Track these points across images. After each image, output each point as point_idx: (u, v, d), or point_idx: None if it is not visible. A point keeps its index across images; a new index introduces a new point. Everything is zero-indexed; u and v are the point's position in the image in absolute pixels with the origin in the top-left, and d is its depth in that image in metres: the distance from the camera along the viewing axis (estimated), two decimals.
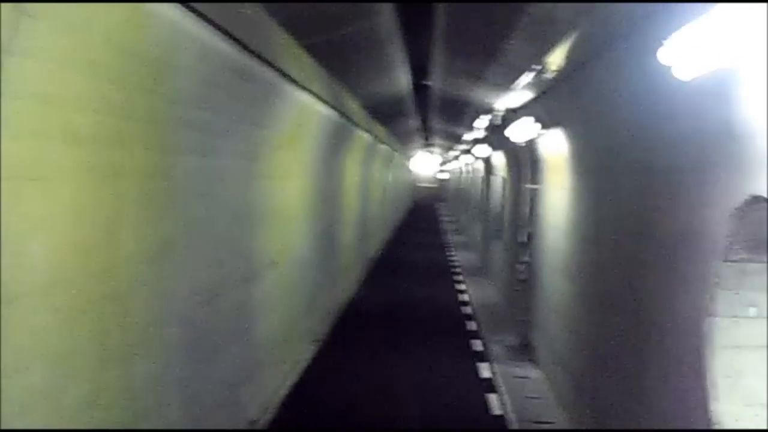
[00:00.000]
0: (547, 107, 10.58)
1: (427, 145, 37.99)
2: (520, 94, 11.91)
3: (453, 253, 29.50)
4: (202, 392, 7.23)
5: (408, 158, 49.69)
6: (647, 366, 6.50)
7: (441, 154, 48.70)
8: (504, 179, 18.89)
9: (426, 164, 62.10)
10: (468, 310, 17.54)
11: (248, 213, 8.79)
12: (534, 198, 13.33)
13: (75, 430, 4.72)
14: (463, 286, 21.10)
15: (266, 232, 9.73)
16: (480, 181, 27.05)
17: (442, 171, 63.30)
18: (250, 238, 8.89)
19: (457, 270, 24.58)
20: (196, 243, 6.93)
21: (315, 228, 13.83)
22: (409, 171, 57.98)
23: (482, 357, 13.05)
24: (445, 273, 23.96)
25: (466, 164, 34.35)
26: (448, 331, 15.18)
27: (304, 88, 10.47)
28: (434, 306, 18.02)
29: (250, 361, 8.99)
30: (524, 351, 13.36)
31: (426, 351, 13.38)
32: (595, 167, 8.79)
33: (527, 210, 13.53)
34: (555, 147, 11.13)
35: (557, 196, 11.25)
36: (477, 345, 13.96)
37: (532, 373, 12.10)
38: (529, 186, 13.51)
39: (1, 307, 3.83)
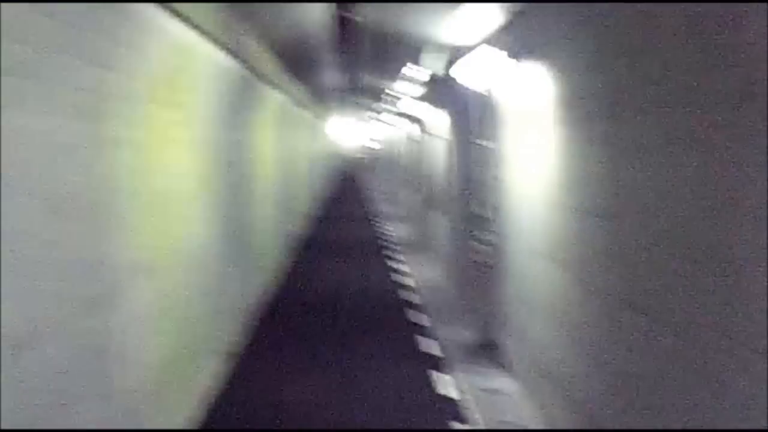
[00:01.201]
0: (521, 33, 7.75)
1: (353, 106, 34.82)
2: (477, 18, 9.06)
3: (387, 228, 26.69)
4: None
5: (330, 124, 46.52)
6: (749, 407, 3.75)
7: (368, 119, 45.55)
8: (448, 141, 16.07)
9: (352, 131, 58.94)
10: (409, 296, 14.75)
11: (92, 201, 5.71)
12: (494, 161, 10.54)
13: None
14: (401, 266, 18.31)
15: (132, 227, 6.66)
16: (415, 145, 24.22)
17: (369, 138, 60.38)
18: (98, 239, 5.81)
19: (393, 247, 21.78)
20: None
21: (216, 211, 10.76)
22: (332, 139, 54.81)
23: (435, 363, 10.27)
24: (380, 251, 21.15)
25: (398, 128, 31.56)
26: (388, 325, 12.37)
27: (183, 18, 7.40)
28: (370, 292, 15.19)
29: (112, 419, 5.96)
30: (487, 352, 10.64)
31: (365, 356, 10.54)
32: (610, 108, 5.99)
33: (487, 177, 10.74)
34: (529, 90, 8.33)
35: (533, 155, 8.47)
36: (424, 344, 11.17)
37: (505, 384, 9.38)
38: (485, 145, 10.71)
39: None
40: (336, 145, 61.90)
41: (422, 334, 11.81)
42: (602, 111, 6.17)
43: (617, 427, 5.91)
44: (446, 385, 9.38)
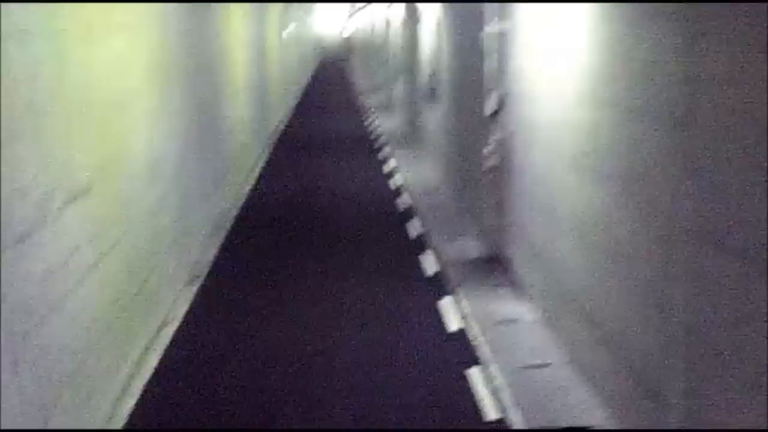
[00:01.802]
0: None
1: None
2: None
3: (373, 119, 25.00)
4: None
5: (308, 10, 43.89)
6: None
7: (349, 4, 42.73)
8: (439, 21, 14.29)
9: (330, 18, 56.06)
10: (405, 200, 13.32)
11: None
12: (504, 44, 8.91)
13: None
14: (392, 163, 16.80)
15: (54, 140, 5.11)
16: (402, 28, 22.27)
17: (350, 25, 57.54)
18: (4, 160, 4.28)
19: (381, 141, 20.19)
20: None
21: (178, 110, 9.16)
22: (311, 26, 52.09)
23: (441, 286, 8.93)
24: (368, 146, 19.59)
25: (384, 10, 29.46)
26: (383, 238, 10.99)
27: None
28: (358, 195, 13.75)
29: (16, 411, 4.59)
30: (495, 267, 9.33)
31: (356, 276, 9.21)
32: None
33: (493, 63, 9.12)
34: None
35: (558, 35, 6.88)
36: (429, 263, 9.81)
37: (521, 309, 8.08)
38: (493, 28, 9.05)
39: None
40: (318, 34, 59.04)
41: (423, 248, 10.45)
42: None
43: (676, 393, 4.61)
44: (456, 318, 8.07)
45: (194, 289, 8.83)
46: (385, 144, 19.68)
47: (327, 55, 62.31)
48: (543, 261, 7.68)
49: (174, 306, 8.17)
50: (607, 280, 5.87)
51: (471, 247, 10.29)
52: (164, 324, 7.68)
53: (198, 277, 9.17)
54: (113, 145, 6.46)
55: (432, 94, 15.47)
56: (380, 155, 18.18)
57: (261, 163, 16.84)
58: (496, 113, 8.77)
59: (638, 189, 5.22)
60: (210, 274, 9.41)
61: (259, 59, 18.46)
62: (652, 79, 4.93)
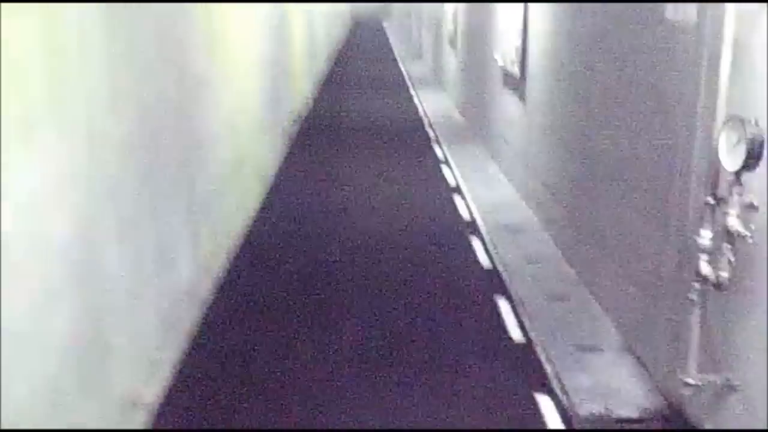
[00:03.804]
0: None
1: None
2: None
3: (419, 99, 20.21)
4: None
5: None
6: None
7: None
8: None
9: None
10: (486, 251, 8.79)
11: None
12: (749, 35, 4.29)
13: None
14: (454, 172, 12.20)
15: None
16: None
17: None
18: None
19: (433, 133, 15.50)
20: None
21: (99, 115, 4.65)
22: None
23: None
24: (417, 143, 14.93)
25: None
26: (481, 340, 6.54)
27: None
28: (414, 235, 9.26)
29: None
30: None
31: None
32: None
33: (724, 70, 4.46)
34: None
35: None
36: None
37: None
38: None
39: None
40: None
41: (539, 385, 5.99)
42: None
43: None
44: None
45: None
46: (438, 138, 15.02)
47: (362, 15, 57.22)
48: None
49: None
50: None
51: (634, 389, 5.78)
52: None
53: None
54: None
55: (515, 86, 10.83)
56: (435, 155, 13.58)
57: (273, 173, 12.33)
58: (741, 170, 4.17)
59: None
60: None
61: (277, 30, 13.83)
62: None
